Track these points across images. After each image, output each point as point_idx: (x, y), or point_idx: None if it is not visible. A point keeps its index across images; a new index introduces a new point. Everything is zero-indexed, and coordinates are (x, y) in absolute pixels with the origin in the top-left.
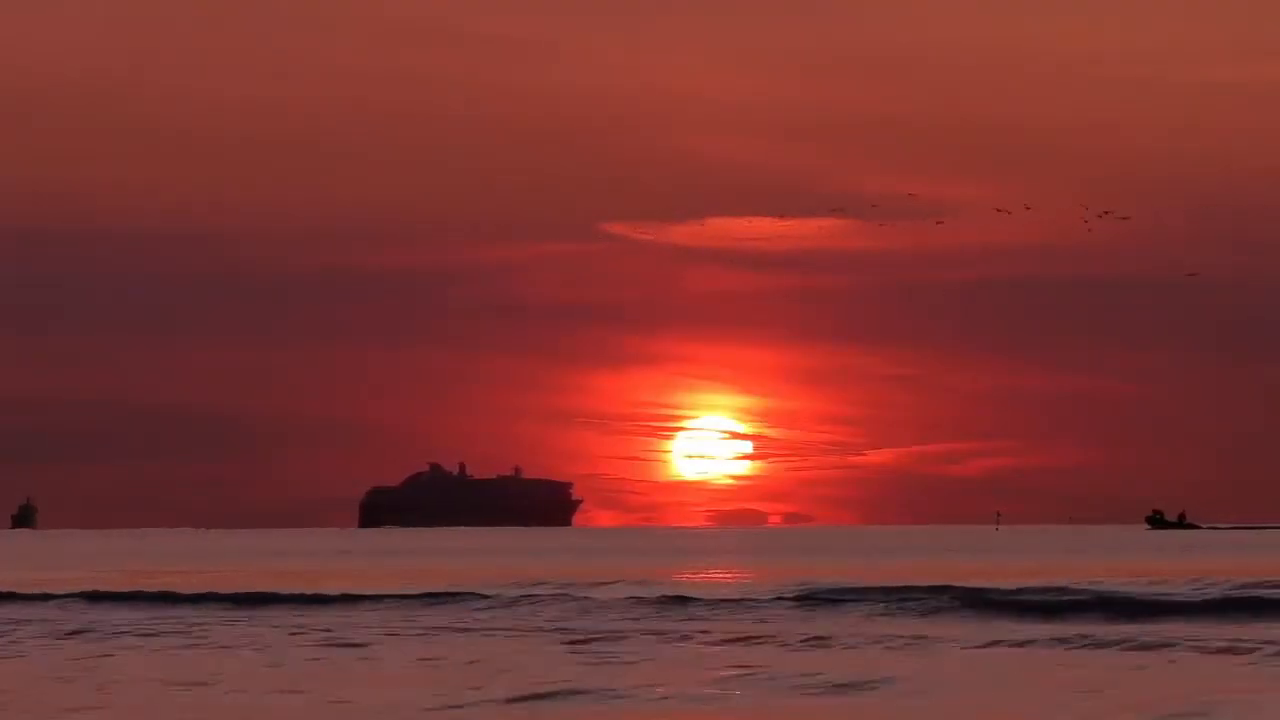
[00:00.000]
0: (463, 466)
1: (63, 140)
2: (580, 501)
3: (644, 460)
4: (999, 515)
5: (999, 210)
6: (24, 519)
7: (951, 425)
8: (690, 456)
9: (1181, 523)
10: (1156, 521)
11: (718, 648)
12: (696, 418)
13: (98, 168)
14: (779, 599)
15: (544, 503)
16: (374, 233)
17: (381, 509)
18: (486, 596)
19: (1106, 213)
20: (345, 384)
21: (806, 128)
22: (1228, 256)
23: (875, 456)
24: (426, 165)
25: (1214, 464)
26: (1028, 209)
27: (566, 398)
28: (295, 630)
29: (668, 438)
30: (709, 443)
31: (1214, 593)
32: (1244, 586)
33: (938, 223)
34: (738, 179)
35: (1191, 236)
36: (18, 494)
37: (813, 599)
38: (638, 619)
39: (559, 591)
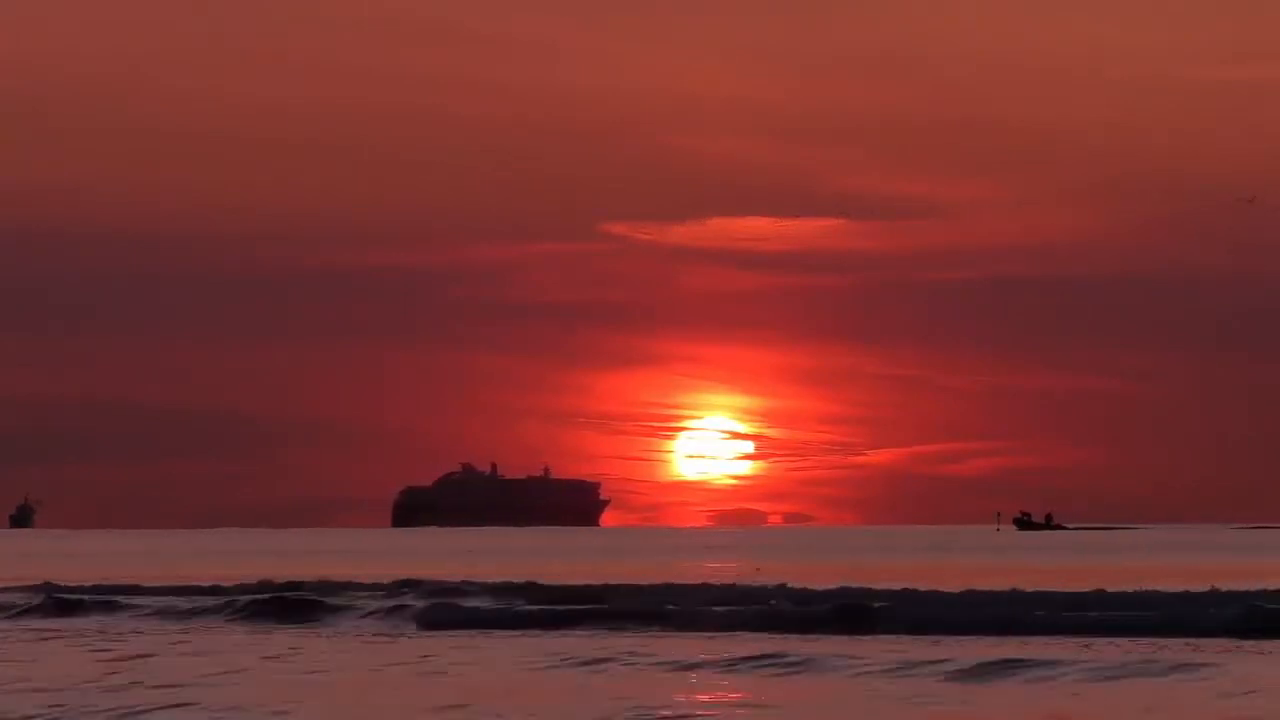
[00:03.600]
0: (494, 466)
1: (63, 140)
2: (608, 502)
3: (645, 460)
4: (999, 515)
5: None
6: (22, 519)
7: (951, 425)
8: (691, 456)
9: (1049, 524)
10: (1023, 523)
11: None
12: (698, 418)
13: (98, 168)
14: None
15: (572, 503)
16: (372, 232)
17: (414, 509)
18: None
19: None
20: (343, 385)
21: (806, 128)
22: (1228, 257)
23: (875, 456)
24: (426, 165)
25: (1214, 464)
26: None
27: (567, 398)
28: None
29: (669, 438)
30: (710, 443)
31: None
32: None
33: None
34: (738, 179)
35: (1192, 236)
36: (16, 493)
37: None
38: None
39: None
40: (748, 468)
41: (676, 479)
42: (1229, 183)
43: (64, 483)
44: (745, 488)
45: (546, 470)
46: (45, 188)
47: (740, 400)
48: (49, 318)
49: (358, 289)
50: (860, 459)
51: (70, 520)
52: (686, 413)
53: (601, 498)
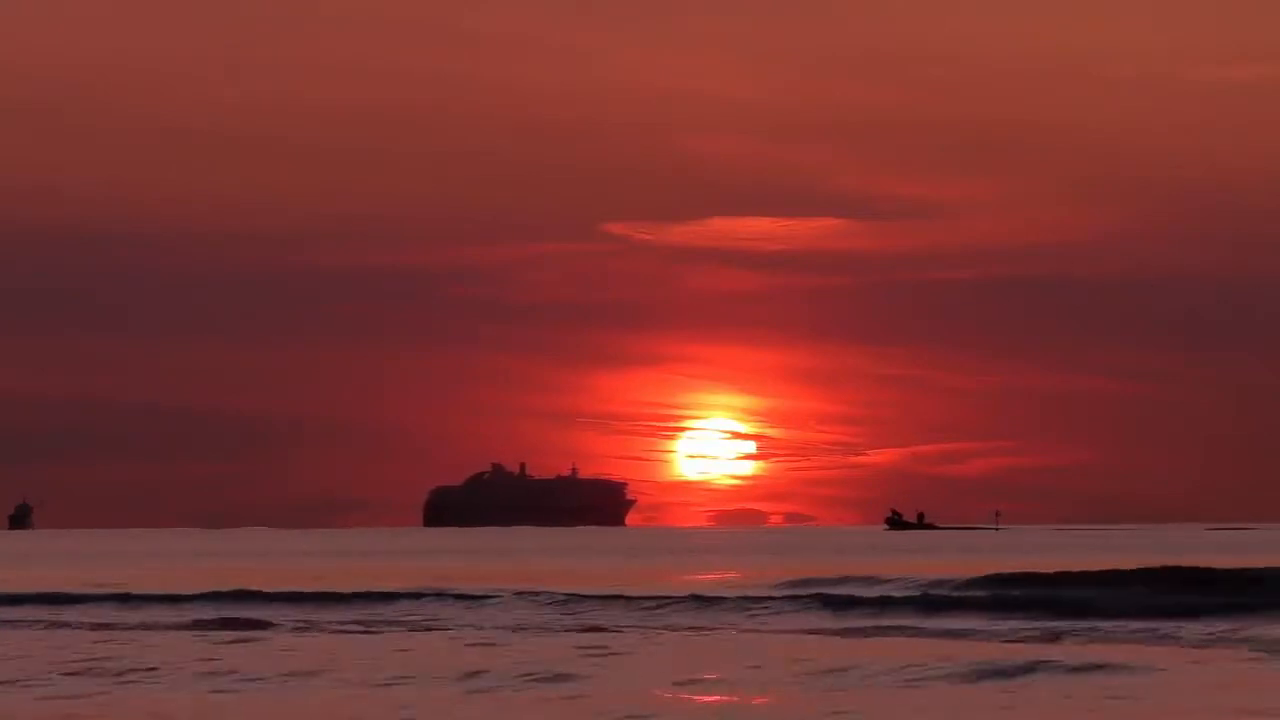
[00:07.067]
0: (523, 466)
1: (64, 140)
2: (634, 501)
3: (646, 460)
4: (998, 515)
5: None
6: (20, 519)
7: (951, 425)
8: (692, 457)
9: (920, 523)
10: (895, 522)
11: None
12: (699, 418)
13: (98, 168)
14: None
15: (598, 503)
16: (373, 232)
17: (444, 508)
18: None
19: None
20: (344, 384)
21: (806, 128)
22: (1228, 257)
23: (876, 456)
24: (427, 165)
25: (1214, 463)
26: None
27: (567, 398)
28: None
29: (670, 438)
30: (711, 443)
31: None
32: None
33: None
34: (738, 179)
35: (1192, 236)
36: (14, 494)
37: None
38: None
39: None
40: (749, 468)
41: (678, 479)
42: (1229, 183)
43: (63, 483)
44: (746, 488)
45: (574, 470)
46: (45, 188)
47: (741, 400)
48: (49, 318)
49: (357, 289)
50: (860, 459)
51: (68, 520)
52: (687, 413)
53: (628, 498)
